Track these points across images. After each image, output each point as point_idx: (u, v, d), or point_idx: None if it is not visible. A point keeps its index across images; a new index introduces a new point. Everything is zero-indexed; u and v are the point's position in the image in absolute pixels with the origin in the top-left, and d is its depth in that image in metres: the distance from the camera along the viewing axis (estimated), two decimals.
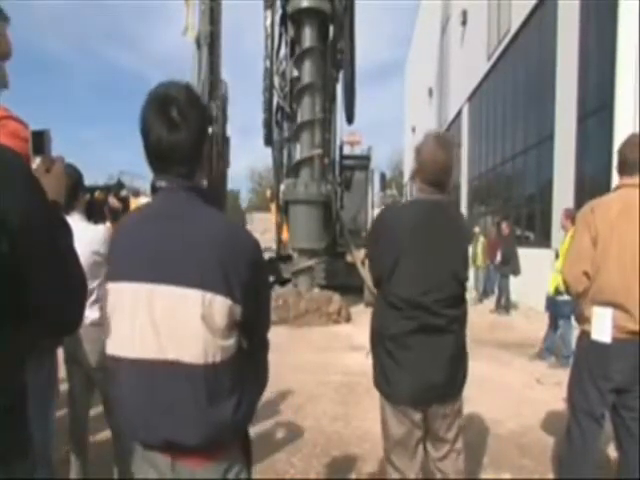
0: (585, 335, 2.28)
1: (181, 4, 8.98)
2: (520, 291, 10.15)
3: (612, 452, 2.78)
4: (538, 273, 8.12)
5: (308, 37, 9.97)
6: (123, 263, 1.21)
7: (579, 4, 8.75)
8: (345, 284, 10.57)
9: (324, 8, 9.81)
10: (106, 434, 2.90)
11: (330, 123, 11.24)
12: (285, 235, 11.85)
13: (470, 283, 11.43)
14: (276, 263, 11.54)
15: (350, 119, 11.88)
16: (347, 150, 15.17)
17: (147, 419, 1.17)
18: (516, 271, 9.57)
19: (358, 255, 9.26)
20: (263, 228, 22.17)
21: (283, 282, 10.71)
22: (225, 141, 9.40)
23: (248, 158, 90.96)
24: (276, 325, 7.77)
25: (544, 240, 9.98)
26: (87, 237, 2.23)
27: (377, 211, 10.61)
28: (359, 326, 7.90)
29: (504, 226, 10.40)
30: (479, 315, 9.10)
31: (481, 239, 12.21)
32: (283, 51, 11.27)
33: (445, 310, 1.91)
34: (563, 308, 5.56)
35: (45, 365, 2.05)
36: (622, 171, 2.30)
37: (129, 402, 1.20)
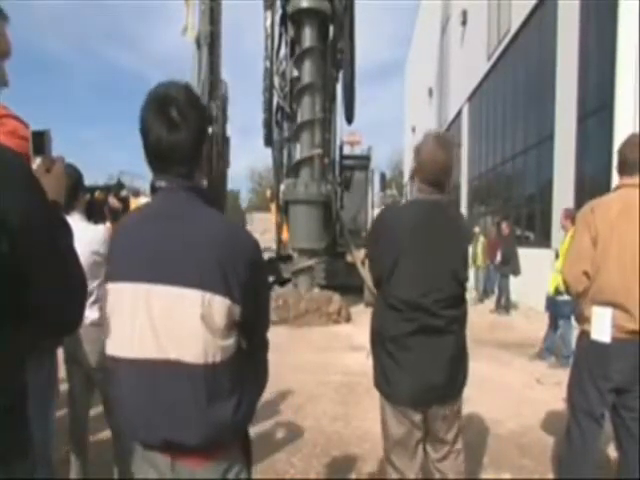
0: (585, 335, 2.28)
1: (181, 4, 8.98)
2: (520, 291, 10.15)
3: (612, 452, 2.79)
4: (538, 273, 8.12)
5: (308, 37, 9.97)
6: (122, 263, 1.21)
7: (579, 4, 8.75)
8: (345, 284, 10.57)
9: (324, 8, 9.81)
10: (106, 434, 2.90)
11: (330, 123, 11.24)
12: (285, 235, 11.85)
13: (470, 283, 11.43)
14: (276, 263, 11.54)
15: (350, 119, 11.89)
16: (347, 150, 15.19)
17: (147, 419, 1.17)
18: (516, 271, 9.57)
19: (358, 255, 9.26)
20: (263, 228, 22.17)
21: (283, 282, 10.71)
22: (225, 141, 9.40)
23: (248, 158, 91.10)
24: (276, 325, 7.78)
25: (544, 240, 9.98)
26: (87, 237, 2.23)
27: (377, 211, 10.62)
28: (359, 326, 7.90)
29: (504, 226, 10.40)
30: (479, 315, 9.10)
31: (481, 239, 12.21)
32: (283, 51, 11.27)
33: (444, 311, 1.91)
34: (563, 308, 5.56)
35: (45, 365, 2.04)
36: (622, 171, 2.30)
37: (129, 402, 1.20)
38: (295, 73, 10.66)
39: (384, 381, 2.00)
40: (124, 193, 2.86)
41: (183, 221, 1.18)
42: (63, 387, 2.52)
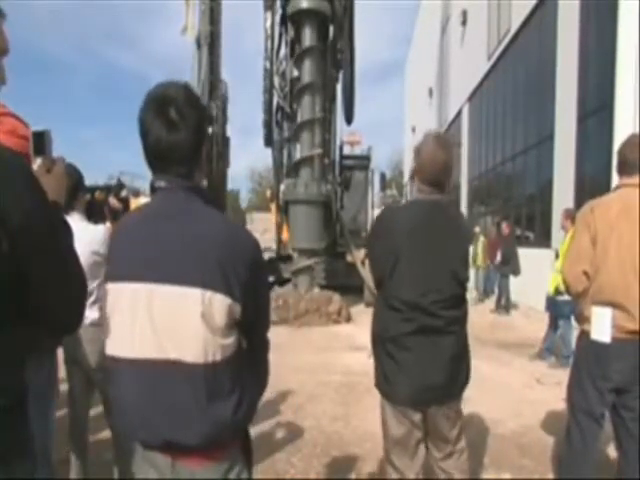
0: (585, 335, 2.28)
1: (181, 4, 9.00)
2: (520, 291, 10.15)
3: (612, 452, 2.78)
4: (538, 273, 8.12)
5: (308, 37, 9.97)
6: (122, 263, 1.21)
7: (579, 4, 8.74)
8: (345, 284, 10.57)
9: (324, 9, 9.80)
10: (106, 434, 2.90)
11: (330, 123, 11.25)
12: (285, 235, 11.85)
13: (471, 283, 11.43)
14: (276, 263, 11.55)
15: (349, 119, 11.89)
16: (347, 150, 15.20)
17: (147, 419, 1.17)
18: (516, 271, 9.57)
19: (358, 255, 9.27)
20: (263, 228, 22.18)
21: (283, 282, 10.71)
22: (225, 141, 9.42)
23: (248, 158, 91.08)
24: (276, 325, 7.77)
25: (544, 240, 9.98)
26: (87, 237, 2.23)
27: (377, 211, 10.63)
28: (359, 326, 7.91)
29: (504, 226, 10.41)
30: (479, 315, 9.10)
31: (481, 239, 12.21)
32: (283, 51, 11.28)
33: (443, 311, 1.91)
34: (563, 308, 5.56)
35: (45, 365, 2.04)
36: (622, 171, 2.30)
37: (129, 402, 1.20)
38: (295, 73, 10.67)
39: (384, 381, 2.00)
40: (124, 193, 2.87)
41: (183, 221, 1.18)
42: (63, 387, 2.52)
